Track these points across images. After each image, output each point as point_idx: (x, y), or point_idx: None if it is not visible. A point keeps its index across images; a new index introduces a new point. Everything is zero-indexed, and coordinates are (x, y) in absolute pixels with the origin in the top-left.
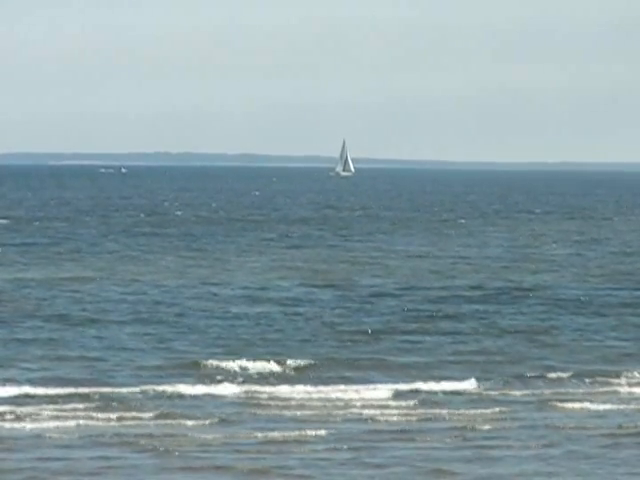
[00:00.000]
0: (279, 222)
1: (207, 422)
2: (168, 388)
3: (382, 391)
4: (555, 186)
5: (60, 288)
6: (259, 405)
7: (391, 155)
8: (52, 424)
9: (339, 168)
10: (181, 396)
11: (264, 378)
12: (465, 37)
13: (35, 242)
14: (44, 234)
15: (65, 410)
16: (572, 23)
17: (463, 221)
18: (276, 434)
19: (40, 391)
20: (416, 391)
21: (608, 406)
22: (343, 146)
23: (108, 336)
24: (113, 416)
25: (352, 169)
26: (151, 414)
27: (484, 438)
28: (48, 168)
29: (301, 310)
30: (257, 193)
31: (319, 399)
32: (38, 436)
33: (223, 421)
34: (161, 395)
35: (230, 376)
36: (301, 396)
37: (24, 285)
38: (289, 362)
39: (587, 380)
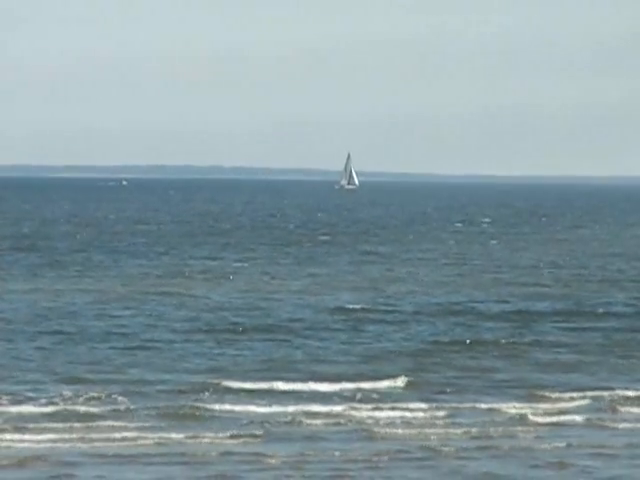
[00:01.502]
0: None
1: None
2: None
3: None
4: (515, 198)
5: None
6: None
7: (390, 169)
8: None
9: (344, 181)
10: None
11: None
12: (466, 53)
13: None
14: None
15: None
16: (574, 36)
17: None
18: None
19: None
20: None
21: None
22: (347, 160)
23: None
24: None
25: (357, 182)
26: None
27: None
28: (46, 181)
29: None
30: (320, 214)
31: None
32: None
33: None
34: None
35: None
36: None
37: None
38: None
39: None
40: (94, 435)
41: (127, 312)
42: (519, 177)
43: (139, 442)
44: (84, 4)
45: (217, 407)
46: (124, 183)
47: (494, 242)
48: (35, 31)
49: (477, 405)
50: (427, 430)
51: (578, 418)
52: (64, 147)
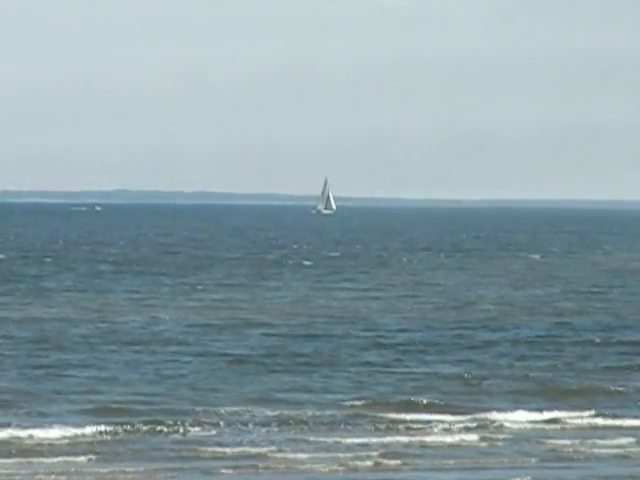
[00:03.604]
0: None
1: None
2: None
3: None
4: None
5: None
6: None
7: (364, 194)
8: None
9: (320, 206)
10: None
11: None
12: (446, 71)
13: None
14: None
15: None
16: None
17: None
18: None
19: None
20: None
21: None
22: (325, 184)
23: None
24: None
25: (334, 207)
26: None
27: None
28: (13, 206)
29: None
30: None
31: None
32: None
33: None
34: None
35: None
36: None
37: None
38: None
39: None
40: None
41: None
42: (507, 201)
43: None
44: (36, 31)
45: None
46: (97, 208)
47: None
48: None
49: None
50: None
51: None
52: (27, 172)
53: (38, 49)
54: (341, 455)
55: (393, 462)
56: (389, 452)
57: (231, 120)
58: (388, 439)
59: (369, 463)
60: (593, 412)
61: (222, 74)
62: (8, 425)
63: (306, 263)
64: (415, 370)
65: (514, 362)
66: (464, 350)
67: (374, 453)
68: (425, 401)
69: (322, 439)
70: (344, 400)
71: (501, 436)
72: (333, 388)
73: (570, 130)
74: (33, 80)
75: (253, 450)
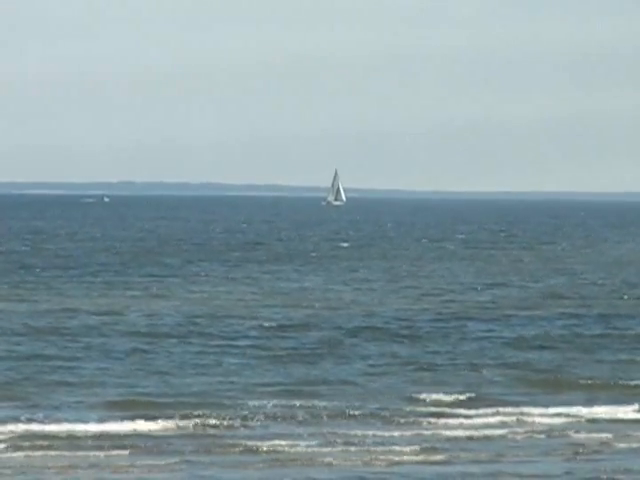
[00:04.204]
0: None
1: None
2: None
3: None
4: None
5: None
6: None
7: (373, 185)
8: None
9: (331, 197)
10: None
11: None
12: (449, 63)
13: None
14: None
15: None
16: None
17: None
18: None
19: None
20: None
21: None
22: (335, 176)
23: None
24: None
25: (344, 198)
26: None
27: None
28: (20, 198)
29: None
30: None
31: None
32: None
33: None
34: None
35: None
36: None
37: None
38: None
39: None
40: None
41: None
42: (517, 193)
43: None
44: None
45: None
46: (106, 200)
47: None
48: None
49: None
50: None
51: None
52: (29, 164)
53: (39, 41)
54: (372, 449)
55: (427, 455)
56: (425, 445)
57: (238, 111)
58: (419, 431)
59: (405, 457)
60: (631, 407)
61: (229, 64)
62: (45, 418)
63: (313, 255)
64: (438, 361)
65: (543, 354)
66: (496, 341)
67: (407, 448)
68: (458, 394)
69: (352, 432)
70: (368, 392)
71: (535, 428)
72: (355, 380)
73: (568, 121)
74: (35, 72)
75: (283, 443)
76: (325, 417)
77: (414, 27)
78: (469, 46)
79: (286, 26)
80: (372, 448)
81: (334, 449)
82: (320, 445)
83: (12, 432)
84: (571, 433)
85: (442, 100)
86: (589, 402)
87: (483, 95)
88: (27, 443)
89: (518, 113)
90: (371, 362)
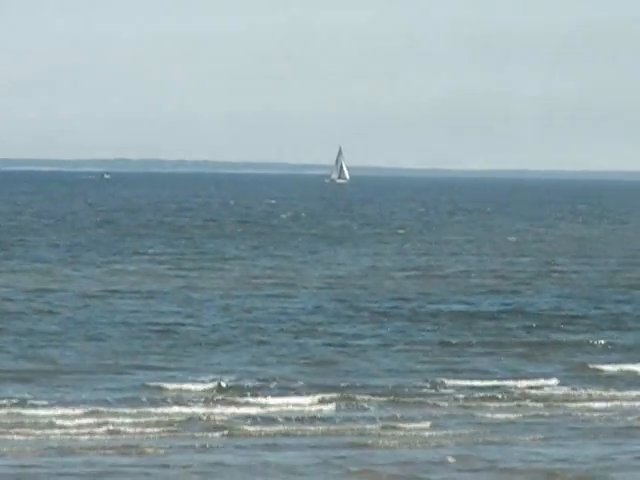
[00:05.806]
0: None
1: None
2: None
3: None
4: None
5: None
6: None
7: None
8: None
9: (334, 175)
10: None
11: None
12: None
13: None
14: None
15: None
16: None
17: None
18: None
19: None
20: None
21: None
22: (339, 153)
23: None
24: None
25: (347, 176)
26: None
27: None
28: (11, 175)
29: None
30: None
31: None
32: None
33: None
34: None
35: None
36: None
37: None
38: None
39: None
40: None
41: None
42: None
43: None
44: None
45: None
46: (106, 177)
47: None
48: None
49: None
50: None
51: None
52: (23, 140)
53: (35, 17)
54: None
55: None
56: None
57: (237, 88)
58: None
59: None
60: None
61: (231, 40)
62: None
63: (313, 231)
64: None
65: (572, 337)
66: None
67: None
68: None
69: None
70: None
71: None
72: (413, 366)
73: (569, 100)
74: (32, 47)
75: (368, 427)
76: None
77: (414, 3)
78: (472, 24)
79: (290, 3)
80: None
81: None
82: None
83: None
84: None
85: (452, 75)
86: None
87: (488, 71)
88: None
89: (528, 94)
90: None
